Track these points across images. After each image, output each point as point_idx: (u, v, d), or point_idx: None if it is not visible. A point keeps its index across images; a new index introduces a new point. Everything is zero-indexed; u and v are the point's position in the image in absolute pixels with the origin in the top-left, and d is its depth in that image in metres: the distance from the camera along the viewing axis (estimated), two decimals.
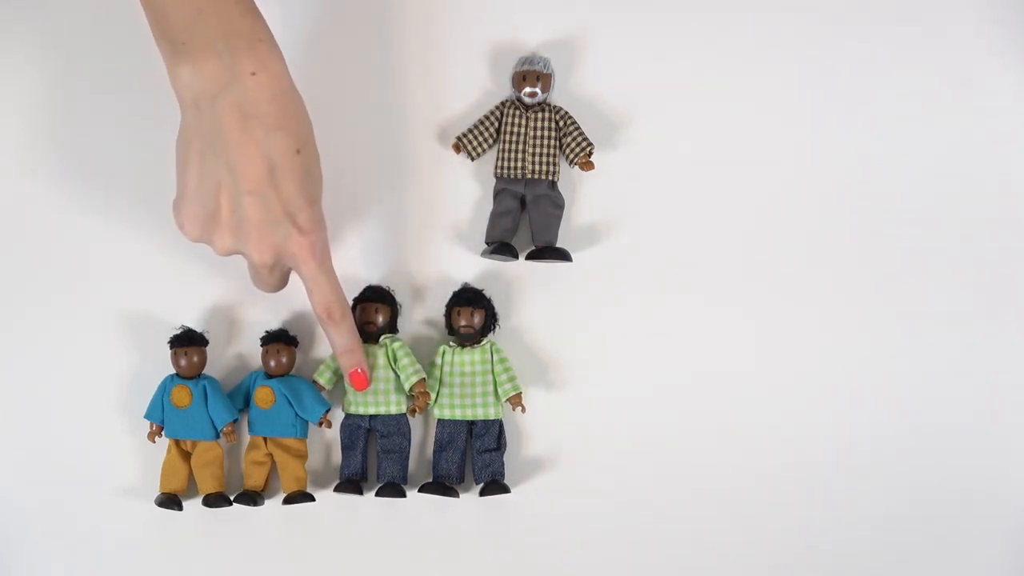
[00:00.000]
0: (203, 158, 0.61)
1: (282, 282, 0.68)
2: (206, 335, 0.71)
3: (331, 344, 0.67)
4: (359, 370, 0.68)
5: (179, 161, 0.62)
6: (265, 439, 0.70)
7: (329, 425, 0.71)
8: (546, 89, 0.71)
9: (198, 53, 0.60)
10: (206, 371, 0.71)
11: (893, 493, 0.72)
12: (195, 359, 0.70)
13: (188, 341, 0.70)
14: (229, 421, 0.70)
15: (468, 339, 0.70)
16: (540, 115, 0.71)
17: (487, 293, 0.71)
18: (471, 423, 0.71)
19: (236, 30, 0.60)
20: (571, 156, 0.71)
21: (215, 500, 0.70)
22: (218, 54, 0.60)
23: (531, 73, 0.70)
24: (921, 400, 0.72)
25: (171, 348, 0.70)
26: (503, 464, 0.70)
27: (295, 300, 0.72)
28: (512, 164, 0.71)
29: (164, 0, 0.61)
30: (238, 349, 0.73)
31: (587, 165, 0.71)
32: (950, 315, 0.72)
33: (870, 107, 0.73)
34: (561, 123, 0.71)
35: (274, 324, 0.72)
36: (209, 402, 0.70)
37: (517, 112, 0.71)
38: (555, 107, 0.71)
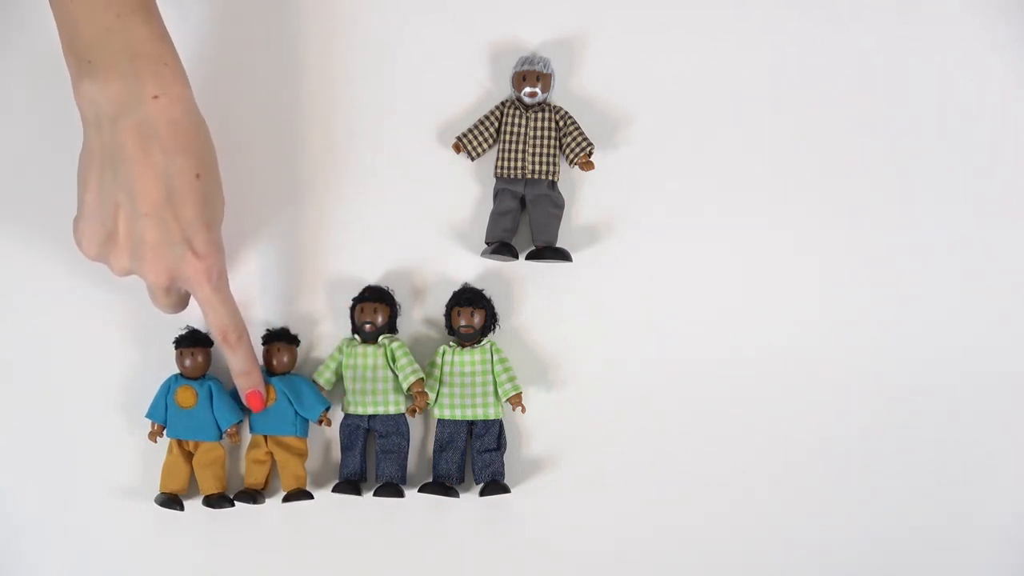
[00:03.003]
0: (102, 177, 0.62)
1: (179, 304, 0.69)
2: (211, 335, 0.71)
3: (229, 366, 0.68)
4: (256, 391, 0.69)
5: (79, 178, 0.63)
6: (266, 437, 0.70)
7: (329, 423, 0.71)
8: (546, 89, 0.71)
9: (103, 72, 0.61)
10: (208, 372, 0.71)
11: (897, 500, 0.72)
12: (200, 359, 0.70)
13: (194, 341, 0.70)
14: (235, 422, 0.70)
15: (468, 339, 0.70)
16: (540, 115, 0.71)
17: (487, 293, 0.71)
18: (471, 423, 0.71)
19: (142, 52, 0.61)
20: (571, 156, 0.71)
21: (216, 500, 0.70)
22: (122, 75, 0.61)
23: (531, 73, 0.70)
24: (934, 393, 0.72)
25: (176, 348, 0.70)
26: (503, 464, 0.70)
27: (295, 300, 0.72)
28: (512, 164, 0.71)
29: (75, 17, 0.61)
30: None
31: (587, 165, 0.71)
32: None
33: (875, 99, 0.73)
34: (561, 123, 0.71)
35: (276, 323, 0.72)
36: (215, 403, 0.70)
37: (517, 112, 0.71)
38: (555, 107, 0.71)
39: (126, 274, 0.65)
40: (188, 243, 0.63)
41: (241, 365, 0.68)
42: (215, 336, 0.67)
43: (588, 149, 0.71)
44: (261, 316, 0.72)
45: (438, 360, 0.70)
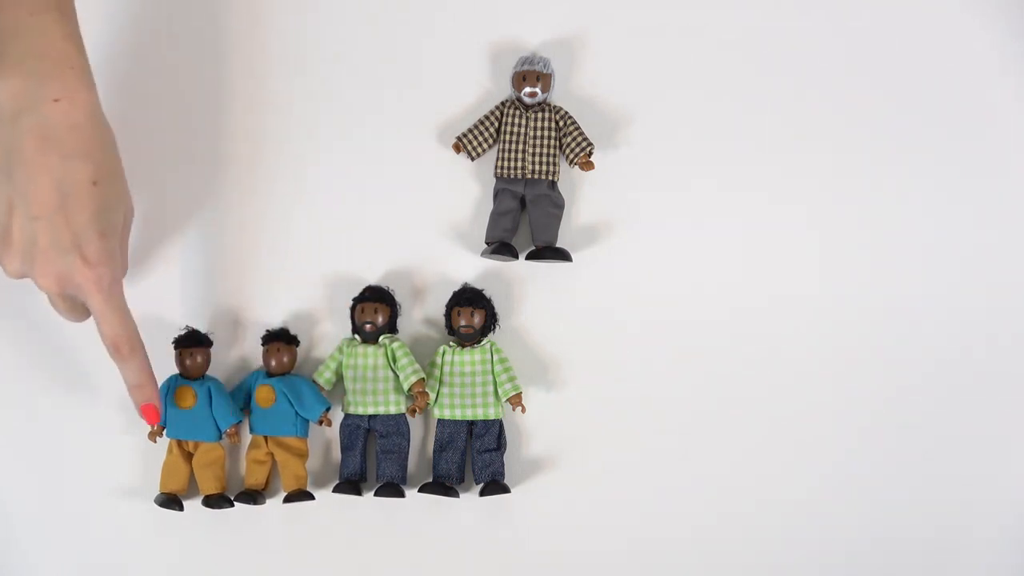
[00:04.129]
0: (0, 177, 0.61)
1: (78, 312, 0.66)
2: (211, 336, 0.71)
3: (122, 378, 0.66)
4: (150, 405, 0.67)
5: None
6: (266, 438, 0.70)
7: (329, 423, 0.71)
8: (546, 89, 0.71)
9: (7, 69, 0.60)
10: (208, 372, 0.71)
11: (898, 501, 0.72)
12: (199, 360, 0.70)
13: (193, 342, 0.70)
14: (233, 423, 0.70)
15: (468, 339, 0.70)
16: (540, 115, 0.71)
17: (487, 293, 0.71)
18: (471, 423, 0.71)
19: (49, 54, 0.61)
20: (571, 156, 0.71)
21: (216, 501, 0.70)
22: (26, 74, 0.60)
23: (531, 73, 0.70)
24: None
25: (175, 348, 0.70)
26: (503, 464, 0.70)
27: (295, 300, 0.72)
28: (512, 164, 0.71)
29: None
30: (240, 351, 0.73)
31: (587, 165, 0.71)
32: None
33: (874, 103, 0.73)
34: (561, 123, 0.71)
35: (276, 323, 0.72)
36: (214, 403, 0.70)
37: (517, 112, 0.71)
38: (555, 107, 0.71)
39: (19, 277, 0.63)
40: (79, 250, 0.61)
41: (134, 378, 0.66)
42: (107, 347, 0.64)
43: (588, 149, 0.71)
44: (261, 316, 0.72)
45: (438, 360, 0.70)
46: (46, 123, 0.60)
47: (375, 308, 0.70)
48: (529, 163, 0.71)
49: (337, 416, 0.72)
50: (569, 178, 0.72)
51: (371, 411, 0.70)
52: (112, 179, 0.63)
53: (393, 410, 0.70)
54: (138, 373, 0.66)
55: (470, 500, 0.71)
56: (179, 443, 0.71)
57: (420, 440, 0.72)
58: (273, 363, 0.70)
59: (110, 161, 0.63)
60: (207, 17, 0.73)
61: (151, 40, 0.73)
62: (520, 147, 0.71)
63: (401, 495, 0.70)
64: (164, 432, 0.70)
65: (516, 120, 0.71)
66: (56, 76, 0.60)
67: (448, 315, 0.70)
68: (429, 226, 0.72)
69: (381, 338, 0.70)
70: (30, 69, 0.60)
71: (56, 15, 0.61)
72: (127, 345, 0.64)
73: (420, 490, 0.70)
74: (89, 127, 0.61)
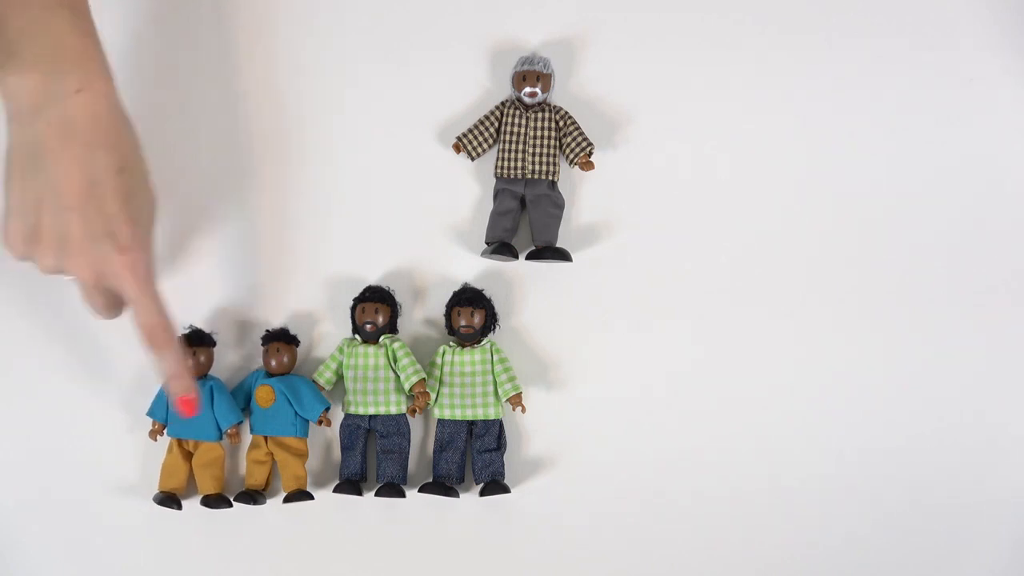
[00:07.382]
0: (25, 173, 0.61)
1: (114, 305, 0.66)
2: (214, 336, 0.71)
3: (158, 370, 0.65)
4: (188, 397, 0.65)
5: (5, 175, 0.62)
6: (266, 438, 0.70)
7: (328, 423, 0.71)
8: (546, 89, 0.71)
9: (26, 66, 0.60)
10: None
11: (894, 495, 0.72)
12: (202, 359, 0.70)
13: (197, 341, 0.70)
14: (234, 423, 0.70)
15: (468, 339, 0.70)
16: (540, 115, 0.71)
17: (487, 293, 0.71)
18: (471, 423, 0.71)
19: (66, 47, 0.61)
20: (571, 156, 0.71)
21: (214, 501, 0.70)
22: (45, 69, 0.60)
23: (531, 73, 0.70)
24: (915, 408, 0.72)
25: None
26: (503, 464, 0.70)
27: (295, 300, 0.72)
28: (512, 164, 0.71)
29: (2, 10, 0.60)
30: (240, 351, 0.73)
31: (587, 165, 0.71)
32: (951, 320, 0.72)
33: (872, 109, 0.73)
34: (561, 123, 0.71)
35: (276, 323, 0.72)
36: (215, 403, 0.70)
37: (517, 112, 0.71)
38: (555, 107, 0.71)
39: (53, 272, 0.63)
40: (112, 238, 0.61)
41: (172, 369, 0.64)
42: (142, 336, 0.64)
43: (588, 149, 0.71)
44: (261, 316, 0.72)
45: (438, 360, 0.70)
46: (67, 115, 0.60)
47: (376, 308, 0.70)
48: (529, 163, 0.71)
49: (337, 416, 0.72)
50: (569, 178, 0.72)
51: (372, 411, 0.70)
52: (136, 167, 0.63)
53: (394, 410, 0.70)
54: (175, 363, 0.64)
55: (470, 500, 0.71)
56: (179, 442, 0.71)
57: (420, 440, 0.72)
58: (273, 363, 0.70)
59: (132, 149, 0.63)
60: (209, 18, 0.73)
61: (159, 44, 0.73)
62: (520, 147, 0.71)
63: (401, 495, 0.70)
64: (165, 431, 0.71)
65: (516, 120, 0.71)
66: (75, 69, 0.60)
67: (448, 315, 0.70)
68: (429, 226, 0.72)
69: (381, 338, 0.70)
70: (48, 65, 0.60)
71: (70, 10, 0.62)
72: (164, 333, 0.63)
73: (420, 490, 0.70)
74: (110, 117, 0.61)
